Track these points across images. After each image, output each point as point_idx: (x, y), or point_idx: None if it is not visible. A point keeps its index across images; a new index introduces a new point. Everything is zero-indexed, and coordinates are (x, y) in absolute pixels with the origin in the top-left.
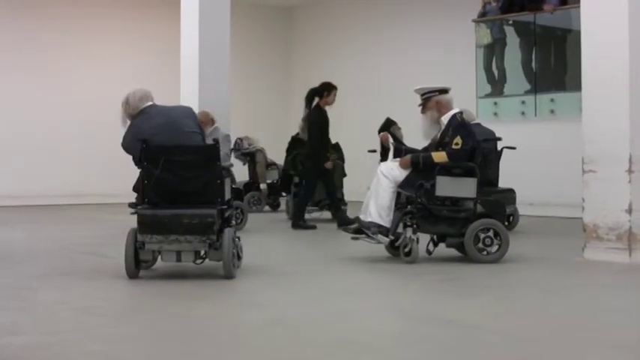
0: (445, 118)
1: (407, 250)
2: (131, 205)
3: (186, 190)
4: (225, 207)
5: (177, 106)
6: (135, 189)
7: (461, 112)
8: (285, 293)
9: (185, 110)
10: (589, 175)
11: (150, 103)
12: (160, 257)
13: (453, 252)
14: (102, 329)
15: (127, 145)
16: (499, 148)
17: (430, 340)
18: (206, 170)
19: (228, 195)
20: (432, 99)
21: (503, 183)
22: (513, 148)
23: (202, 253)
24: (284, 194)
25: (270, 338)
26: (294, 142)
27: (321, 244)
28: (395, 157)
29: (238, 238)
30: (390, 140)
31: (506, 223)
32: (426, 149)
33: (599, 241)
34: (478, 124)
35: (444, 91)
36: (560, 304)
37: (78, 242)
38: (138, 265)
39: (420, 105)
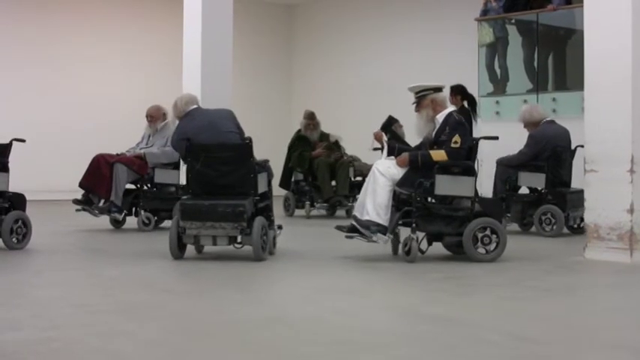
0: (440, 117)
1: (407, 249)
2: (75, 201)
3: (223, 183)
4: (259, 198)
5: (218, 109)
6: (81, 185)
7: (456, 110)
8: (285, 290)
9: (225, 112)
10: (591, 175)
11: (195, 106)
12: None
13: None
14: (102, 325)
15: (175, 144)
16: (572, 147)
17: (431, 339)
18: (241, 165)
19: (264, 188)
20: (426, 97)
21: None
22: None
23: (239, 239)
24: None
25: (270, 336)
26: (299, 139)
27: (320, 241)
28: (388, 155)
29: (280, 226)
30: (384, 138)
31: (577, 226)
32: (419, 148)
33: (600, 241)
34: (552, 122)
35: (439, 89)
36: (561, 303)
37: (77, 237)
38: (182, 248)
39: (414, 103)
